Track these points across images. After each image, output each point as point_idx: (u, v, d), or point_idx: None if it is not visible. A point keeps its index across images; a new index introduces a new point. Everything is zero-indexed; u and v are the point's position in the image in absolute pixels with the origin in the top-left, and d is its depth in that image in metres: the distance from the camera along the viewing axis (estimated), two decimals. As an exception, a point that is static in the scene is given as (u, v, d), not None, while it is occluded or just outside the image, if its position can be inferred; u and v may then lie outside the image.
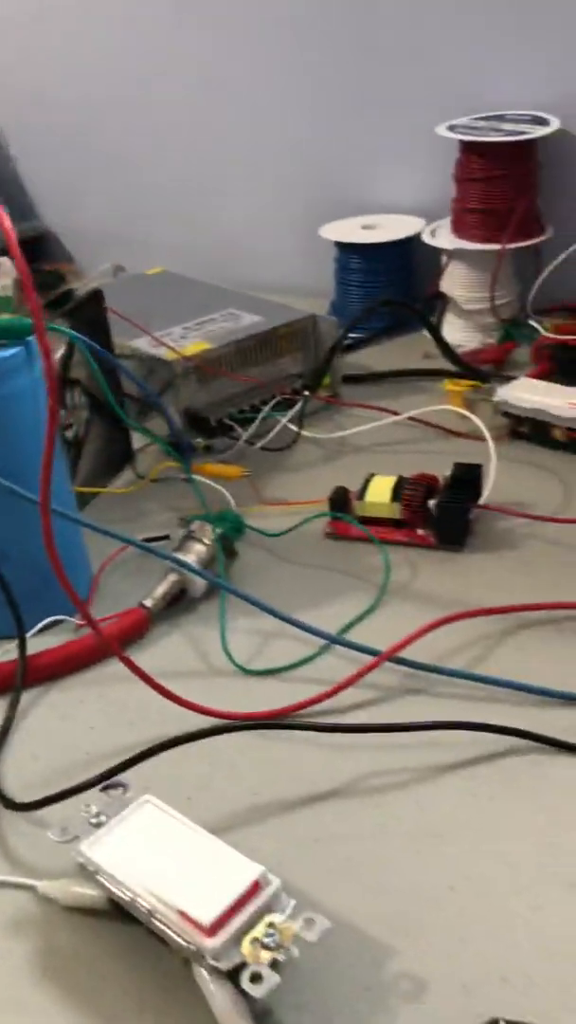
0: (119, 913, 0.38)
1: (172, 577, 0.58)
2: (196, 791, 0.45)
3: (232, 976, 0.34)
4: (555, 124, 0.84)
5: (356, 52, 0.95)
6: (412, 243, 0.93)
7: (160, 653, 0.55)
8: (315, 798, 0.45)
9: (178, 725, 0.47)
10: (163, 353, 0.73)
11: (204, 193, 1.10)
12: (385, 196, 0.99)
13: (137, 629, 0.56)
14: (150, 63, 1.06)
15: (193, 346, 0.75)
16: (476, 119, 0.87)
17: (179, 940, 0.35)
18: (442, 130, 0.86)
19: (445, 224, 0.90)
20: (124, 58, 1.07)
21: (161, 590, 0.57)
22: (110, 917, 0.39)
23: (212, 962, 0.34)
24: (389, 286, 0.93)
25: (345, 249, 0.94)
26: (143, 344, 0.76)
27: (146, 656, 0.55)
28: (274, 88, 1.01)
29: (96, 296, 0.69)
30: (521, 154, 0.84)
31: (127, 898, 0.37)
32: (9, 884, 0.41)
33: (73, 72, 1.12)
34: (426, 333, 0.85)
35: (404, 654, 0.51)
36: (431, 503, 0.62)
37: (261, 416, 0.74)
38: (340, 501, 0.64)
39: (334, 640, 0.53)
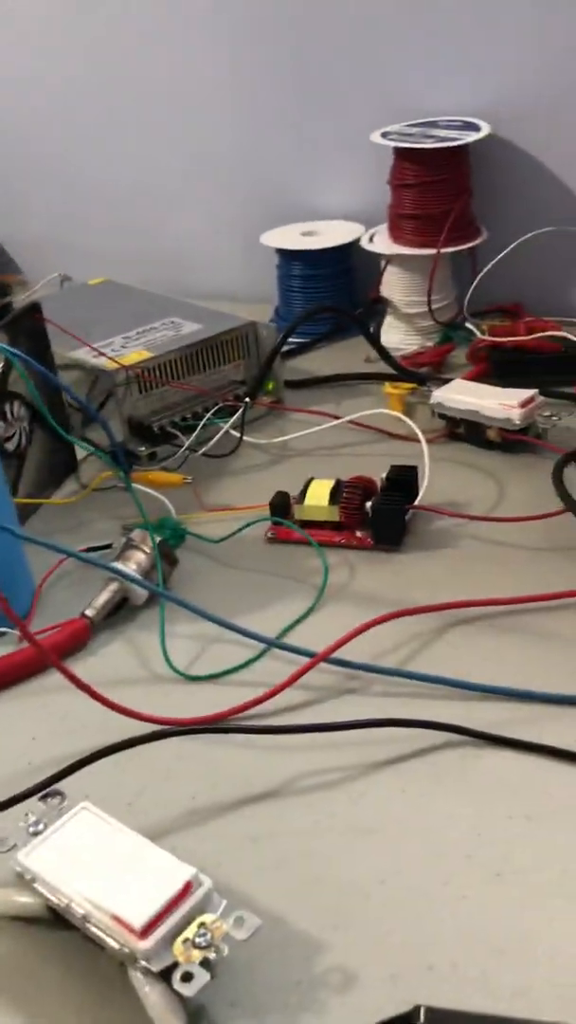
0: (57, 921, 0.39)
1: (113, 586, 0.58)
2: (136, 797, 0.46)
3: (165, 976, 0.35)
4: (486, 129, 0.86)
5: (293, 61, 0.96)
6: (352, 249, 0.94)
7: (102, 662, 0.56)
8: (252, 799, 0.46)
9: (120, 733, 0.48)
10: (104, 363, 0.74)
11: (147, 203, 1.11)
12: (325, 203, 1.00)
13: (78, 639, 0.56)
14: (88, 72, 1.07)
15: (134, 355, 0.76)
16: (409, 126, 0.89)
17: (113, 944, 0.36)
18: (376, 137, 0.87)
19: (383, 230, 0.92)
20: (62, 67, 1.08)
21: (102, 599, 0.58)
22: (49, 925, 0.40)
23: (144, 963, 0.35)
24: (331, 291, 0.94)
25: (286, 256, 0.95)
26: (84, 355, 0.76)
27: (88, 665, 0.55)
28: (212, 96, 1.02)
29: (33, 308, 0.70)
30: (453, 160, 0.86)
31: (62, 904, 0.37)
32: (-51, 895, 0.42)
33: (10, 82, 1.12)
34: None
35: (340, 654, 0.53)
36: (368, 505, 0.63)
37: (203, 423, 0.75)
38: (280, 506, 0.65)
39: (272, 643, 0.54)
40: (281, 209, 1.01)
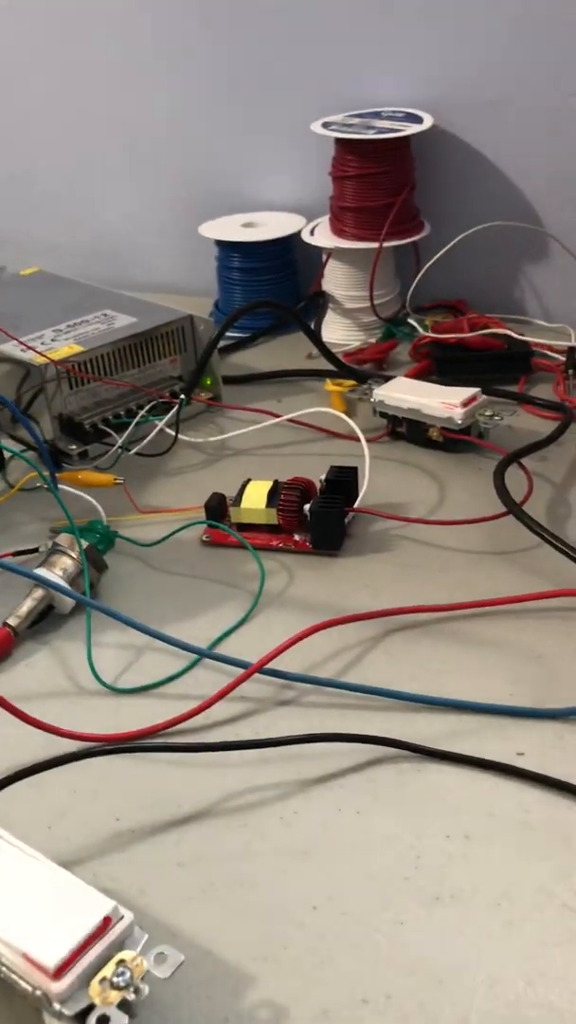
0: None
1: (38, 593, 0.56)
2: (57, 819, 0.44)
3: (80, 1020, 0.33)
4: (429, 121, 0.84)
5: (233, 47, 0.93)
6: (293, 241, 0.92)
7: (26, 673, 0.53)
8: (180, 820, 0.43)
9: (42, 750, 0.45)
10: (32, 357, 0.71)
11: (81, 190, 1.07)
12: (265, 194, 0.98)
13: (0, 649, 0.54)
14: (17, 50, 1.03)
15: (64, 349, 0.73)
16: (351, 116, 0.87)
17: (25, 986, 0.33)
18: (317, 127, 0.85)
19: (324, 222, 0.90)
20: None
21: (26, 607, 0.55)
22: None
23: (58, 1007, 0.33)
24: (272, 285, 0.92)
25: (226, 247, 0.93)
26: (11, 349, 0.73)
27: (10, 677, 0.53)
28: (149, 82, 0.99)
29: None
30: (396, 151, 0.84)
31: (-29, 942, 0.35)
32: None
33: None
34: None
35: (276, 664, 0.51)
36: (306, 508, 0.61)
37: (136, 421, 0.72)
38: (216, 508, 0.63)
39: (203, 654, 0.52)
40: (221, 199, 0.99)
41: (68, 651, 0.55)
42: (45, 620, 0.56)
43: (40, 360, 0.70)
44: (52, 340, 0.74)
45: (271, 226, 0.93)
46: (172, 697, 0.51)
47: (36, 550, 0.60)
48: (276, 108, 0.94)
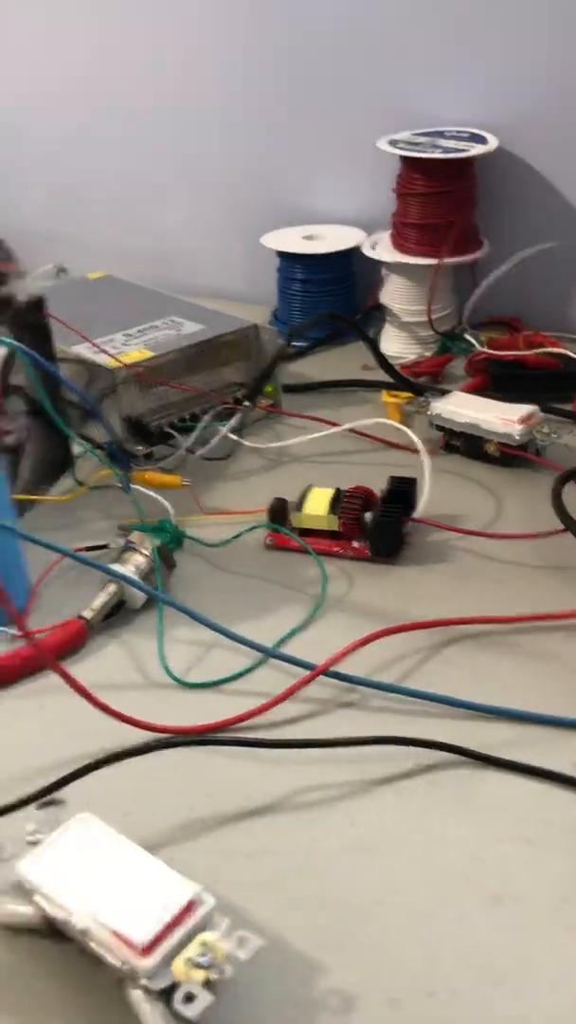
0: (53, 932, 0.38)
1: (111, 588, 0.58)
2: (133, 806, 0.46)
3: (165, 996, 0.35)
4: (493, 143, 0.86)
5: (300, 62, 0.95)
6: (353, 254, 0.94)
7: (98, 665, 0.55)
8: (249, 813, 0.45)
9: (116, 738, 0.47)
10: (104, 360, 0.73)
11: (145, 196, 1.10)
12: (326, 206, 1.00)
13: (75, 641, 0.56)
14: (87, 62, 1.05)
15: (135, 353, 0.75)
16: (417, 135, 0.88)
17: (113, 960, 0.36)
18: (383, 144, 0.87)
19: (385, 237, 0.91)
20: (62, 58, 1.06)
21: (99, 601, 0.57)
22: (44, 935, 0.39)
23: (145, 982, 0.35)
24: (331, 296, 0.94)
25: (287, 259, 0.95)
26: (84, 350, 0.75)
27: (84, 668, 0.55)
28: (217, 93, 1.01)
29: (38, 303, 0.69)
30: (460, 171, 0.86)
31: (62, 917, 0.37)
32: None
33: (10, 72, 1.10)
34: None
35: (338, 667, 0.53)
36: (367, 516, 0.63)
37: (202, 425, 0.74)
38: (278, 512, 0.65)
39: (270, 653, 0.54)
40: (282, 210, 1.01)
41: (137, 645, 0.57)
42: (115, 615, 0.58)
43: (113, 363, 0.72)
44: (123, 344, 0.76)
45: (332, 239, 0.95)
46: (236, 694, 0.53)
47: (106, 546, 0.62)
48: (339, 123, 0.96)
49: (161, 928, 0.35)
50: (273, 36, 0.95)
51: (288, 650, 0.55)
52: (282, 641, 0.56)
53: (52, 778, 0.44)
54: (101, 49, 1.04)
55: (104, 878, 0.38)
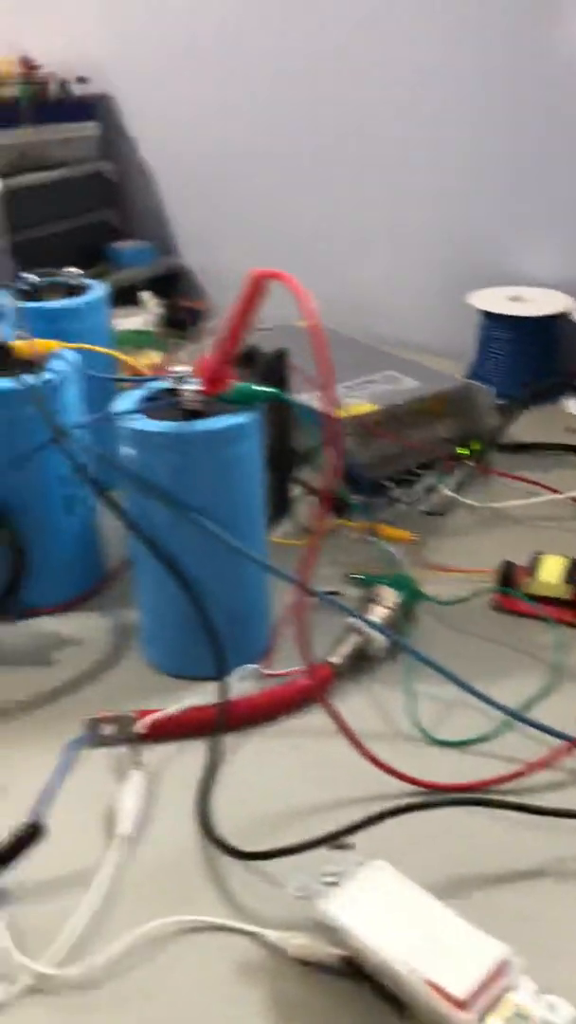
0: (351, 971, 0.40)
1: (355, 637, 0.60)
2: (401, 856, 0.47)
3: (479, 1051, 0.36)
4: None
5: (510, 122, 0.98)
6: (559, 318, 0.95)
7: (343, 713, 0.57)
8: (518, 875, 0.47)
9: (369, 787, 0.49)
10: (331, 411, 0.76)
11: (345, 247, 1.13)
12: (530, 268, 1.02)
13: (324, 686, 0.58)
14: (296, 112, 1.10)
15: (358, 406, 0.78)
16: None
17: (429, 1010, 0.37)
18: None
19: (594, 304, 0.93)
20: (272, 105, 1.11)
21: (346, 649, 0.59)
22: (339, 974, 0.41)
23: (463, 1036, 0.36)
24: (533, 359, 0.96)
25: (492, 318, 0.97)
26: (307, 399, 0.78)
27: (327, 716, 0.57)
28: (424, 147, 1.04)
29: (281, 355, 0.72)
30: None
31: (374, 960, 0.39)
32: (235, 930, 0.44)
33: (220, 117, 1.16)
34: (565, 406, 0.88)
35: (587, 739, 0.53)
36: (600, 588, 0.64)
37: (430, 482, 0.76)
38: (508, 575, 0.66)
39: (522, 719, 0.55)
40: (483, 268, 1.03)
41: (380, 695, 0.59)
42: (357, 664, 0.60)
43: (342, 414, 0.75)
44: (345, 396, 0.79)
45: (538, 302, 0.96)
46: (479, 754, 0.54)
47: (336, 593, 0.65)
48: (548, 184, 0.98)
49: (479, 984, 0.37)
50: (486, 91, 0.98)
51: (533, 717, 0.56)
52: (527, 706, 0.57)
53: (316, 820, 0.46)
54: (311, 103, 1.08)
55: (410, 927, 0.39)
